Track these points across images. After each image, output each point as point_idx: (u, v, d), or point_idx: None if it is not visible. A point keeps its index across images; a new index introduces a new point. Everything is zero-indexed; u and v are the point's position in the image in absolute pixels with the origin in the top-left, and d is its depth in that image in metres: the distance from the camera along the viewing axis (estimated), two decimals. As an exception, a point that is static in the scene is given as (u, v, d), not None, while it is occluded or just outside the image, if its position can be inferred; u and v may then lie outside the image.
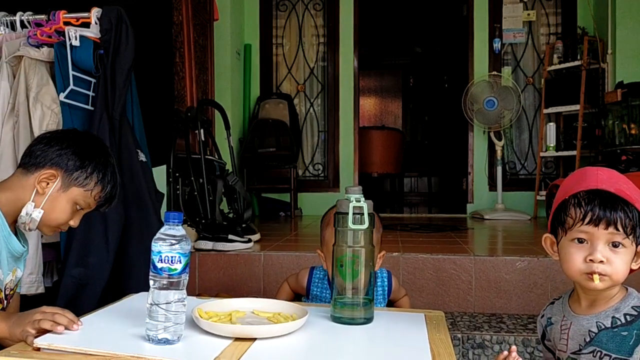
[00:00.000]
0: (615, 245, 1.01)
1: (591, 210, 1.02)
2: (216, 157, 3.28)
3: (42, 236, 1.88)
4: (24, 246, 1.34)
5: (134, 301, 1.31)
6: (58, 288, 1.91)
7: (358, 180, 5.31)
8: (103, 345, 0.97)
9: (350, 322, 1.16)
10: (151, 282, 1.01)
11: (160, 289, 1.00)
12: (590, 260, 1.01)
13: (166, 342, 0.99)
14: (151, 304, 1.00)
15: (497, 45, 4.96)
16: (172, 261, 1.00)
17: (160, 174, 2.72)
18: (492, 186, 4.94)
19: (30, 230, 1.32)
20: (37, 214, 1.29)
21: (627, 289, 1.06)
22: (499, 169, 4.75)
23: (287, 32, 5.42)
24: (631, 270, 1.06)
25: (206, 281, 2.60)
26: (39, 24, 2.06)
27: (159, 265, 1.00)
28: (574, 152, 4.35)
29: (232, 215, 3.15)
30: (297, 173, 5.07)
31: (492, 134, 4.82)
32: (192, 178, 2.91)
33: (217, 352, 0.96)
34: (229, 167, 3.34)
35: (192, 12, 3.67)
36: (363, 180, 5.53)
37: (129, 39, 1.99)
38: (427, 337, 1.08)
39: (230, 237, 2.72)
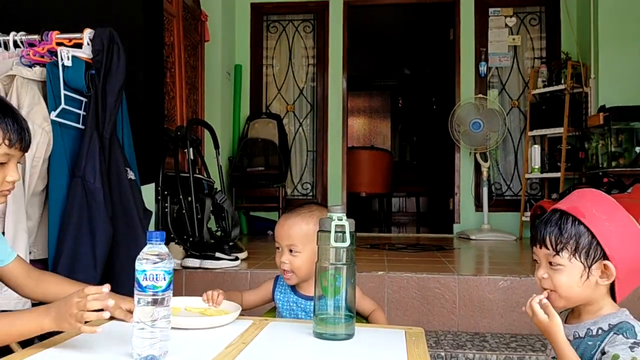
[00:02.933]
0: (552, 264, 1.06)
1: (533, 231, 1.11)
2: (205, 175, 3.31)
3: (30, 252, 1.90)
4: None
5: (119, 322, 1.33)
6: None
7: (346, 199, 5.36)
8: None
9: (332, 337, 1.19)
10: (136, 301, 1.03)
11: (146, 306, 1.02)
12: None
13: (152, 358, 1.01)
14: (137, 321, 1.02)
15: (482, 68, 5.07)
16: (156, 279, 1.02)
17: (149, 192, 2.74)
18: (479, 206, 5.00)
19: None
20: None
21: (617, 308, 1.09)
22: (485, 190, 4.81)
23: (277, 53, 5.51)
24: (613, 289, 1.07)
25: (193, 299, 2.61)
26: (31, 44, 2.10)
27: (144, 283, 1.02)
28: (558, 174, 4.43)
29: (219, 233, 3.17)
30: (286, 192, 5.10)
31: (478, 155, 4.89)
32: (181, 196, 2.94)
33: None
34: (217, 185, 3.37)
35: (183, 33, 3.73)
36: (351, 200, 5.58)
37: (120, 59, 2.03)
38: (406, 352, 1.12)
39: (218, 255, 2.74)
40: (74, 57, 2.00)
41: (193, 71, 4.11)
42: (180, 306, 1.32)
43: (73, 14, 2.32)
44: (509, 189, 5.16)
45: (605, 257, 1.02)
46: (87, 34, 2.04)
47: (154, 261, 1.03)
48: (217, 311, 1.28)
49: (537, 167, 4.65)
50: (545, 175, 4.64)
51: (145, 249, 1.05)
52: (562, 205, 1.08)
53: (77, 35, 2.05)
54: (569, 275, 1.05)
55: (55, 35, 2.06)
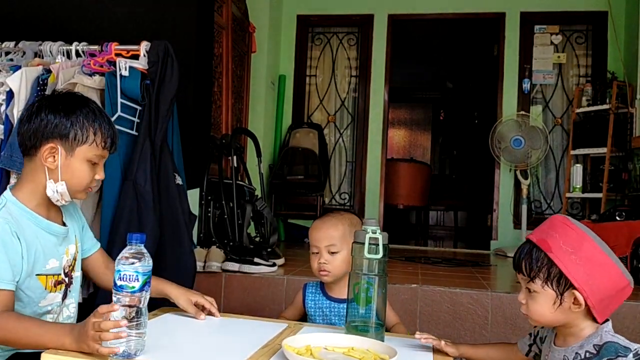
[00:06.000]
0: (529, 289, 1.12)
1: (513, 258, 1.16)
2: (246, 182, 3.43)
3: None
4: (65, 224, 1.40)
5: (167, 317, 1.43)
6: (94, 299, 2.04)
7: (384, 211, 5.40)
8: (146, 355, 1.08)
9: (362, 344, 1.25)
10: (114, 299, 1.07)
11: (122, 305, 1.06)
12: None
13: (128, 355, 1.05)
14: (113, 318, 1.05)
15: (526, 85, 5.05)
16: (129, 279, 1.07)
17: (194, 197, 2.87)
18: (517, 224, 4.96)
19: (68, 202, 1.36)
20: (62, 187, 1.31)
21: (598, 327, 1.11)
22: (524, 208, 4.78)
23: (320, 64, 5.61)
24: (593, 311, 1.08)
25: (231, 301, 2.71)
26: (92, 54, 2.25)
27: (119, 283, 1.07)
28: (600, 195, 4.37)
29: (258, 239, 3.27)
30: (324, 201, 5.18)
31: (518, 173, 4.87)
32: (223, 202, 3.05)
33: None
34: (258, 192, 3.48)
35: (231, 45, 3.87)
36: (388, 212, 5.61)
37: (173, 71, 2.15)
38: (432, 362, 1.18)
39: (256, 260, 2.83)
40: (131, 67, 2.13)
41: (239, 81, 4.25)
42: (320, 345, 1.20)
43: (131, 27, 2.46)
44: (549, 207, 5.11)
45: (574, 287, 1.06)
46: (144, 46, 2.17)
47: (131, 262, 1.07)
48: (364, 352, 1.16)
49: (578, 186, 4.60)
50: (586, 195, 4.58)
51: (125, 249, 1.09)
52: (534, 235, 1.13)
53: (135, 47, 2.18)
54: (543, 301, 1.10)
55: (115, 47, 2.19)
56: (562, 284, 1.08)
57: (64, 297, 1.38)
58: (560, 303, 1.08)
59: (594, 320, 1.10)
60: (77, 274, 1.43)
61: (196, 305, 1.45)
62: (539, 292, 1.10)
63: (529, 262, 1.11)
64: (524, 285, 1.14)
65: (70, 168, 1.32)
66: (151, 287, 1.42)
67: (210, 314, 1.45)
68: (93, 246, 1.53)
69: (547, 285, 1.09)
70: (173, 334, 1.28)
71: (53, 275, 1.33)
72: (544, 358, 1.21)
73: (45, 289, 1.31)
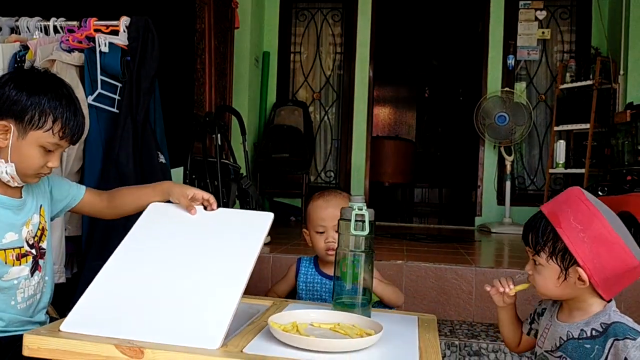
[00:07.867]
0: (535, 262, 1.13)
1: (523, 228, 1.17)
2: (231, 161, 3.40)
3: (65, 229, 2.00)
4: (21, 196, 1.35)
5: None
6: (78, 279, 2.02)
7: (369, 188, 5.41)
8: (121, 333, 1.07)
9: (349, 320, 1.26)
10: None
11: None
12: None
13: None
14: None
15: (510, 61, 5.04)
16: None
17: (177, 176, 2.84)
18: (501, 200, 5.00)
19: (19, 183, 1.31)
20: (10, 168, 1.27)
21: (606, 305, 1.11)
22: (508, 184, 4.81)
23: (305, 41, 5.55)
24: (600, 286, 1.08)
25: (217, 279, 2.70)
26: (71, 30, 2.19)
27: None
28: (583, 170, 4.41)
29: (244, 217, 3.25)
30: (309, 179, 5.17)
31: (502, 149, 4.89)
32: (208, 180, 3.02)
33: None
34: (243, 171, 3.45)
35: (214, 21, 3.80)
36: (374, 189, 5.62)
37: (154, 47, 2.11)
38: (418, 337, 1.18)
39: (242, 238, 2.82)
40: (110, 43, 2.08)
41: (222, 57, 4.19)
42: (306, 321, 1.19)
43: (111, 2, 2.40)
44: (533, 183, 5.15)
45: (579, 264, 1.06)
46: (124, 21, 2.12)
47: None
48: (350, 328, 1.16)
49: (561, 162, 4.63)
50: (569, 170, 4.62)
51: None
52: (548, 207, 1.13)
53: (114, 22, 2.13)
54: (547, 274, 1.10)
55: (93, 22, 2.14)
56: (566, 259, 1.07)
57: (35, 269, 1.35)
58: (565, 278, 1.08)
59: (601, 297, 1.10)
60: (48, 244, 1.41)
61: (193, 199, 1.40)
62: (544, 265, 1.10)
63: (535, 235, 1.11)
64: (530, 257, 1.14)
65: (20, 150, 1.26)
66: (152, 193, 1.48)
67: (205, 208, 1.41)
68: (77, 193, 1.49)
69: (552, 260, 1.09)
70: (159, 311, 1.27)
71: (13, 248, 1.30)
72: (542, 331, 1.20)
73: (6, 263, 1.28)
